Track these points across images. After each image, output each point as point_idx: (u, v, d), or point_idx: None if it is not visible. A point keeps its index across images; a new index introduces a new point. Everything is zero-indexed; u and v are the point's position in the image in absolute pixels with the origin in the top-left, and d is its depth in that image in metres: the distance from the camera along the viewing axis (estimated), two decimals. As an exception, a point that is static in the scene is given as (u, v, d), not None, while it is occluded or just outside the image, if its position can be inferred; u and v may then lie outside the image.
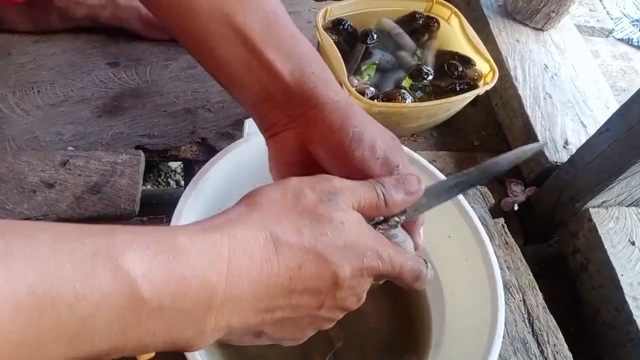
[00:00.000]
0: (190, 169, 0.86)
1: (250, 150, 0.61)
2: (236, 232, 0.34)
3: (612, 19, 1.46)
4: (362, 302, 0.41)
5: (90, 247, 0.28)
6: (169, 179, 1.54)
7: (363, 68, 0.92)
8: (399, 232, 0.46)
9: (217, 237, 0.33)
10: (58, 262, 0.26)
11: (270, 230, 0.35)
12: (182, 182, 1.54)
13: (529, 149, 0.50)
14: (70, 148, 0.79)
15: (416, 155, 0.67)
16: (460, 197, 0.64)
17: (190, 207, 0.55)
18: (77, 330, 0.27)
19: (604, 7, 1.49)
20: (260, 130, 0.51)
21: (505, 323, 0.55)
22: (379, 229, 0.43)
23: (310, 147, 0.47)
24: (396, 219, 0.44)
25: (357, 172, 0.45)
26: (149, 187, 1.46)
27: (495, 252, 0.61)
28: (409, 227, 0.47)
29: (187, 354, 0.46)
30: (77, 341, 0.27)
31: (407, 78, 0.92)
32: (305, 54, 0.48)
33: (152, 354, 0.40)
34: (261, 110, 0.49)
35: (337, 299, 0.38)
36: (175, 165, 1.54)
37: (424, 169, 0.66)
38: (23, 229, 0.27)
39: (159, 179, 1.53)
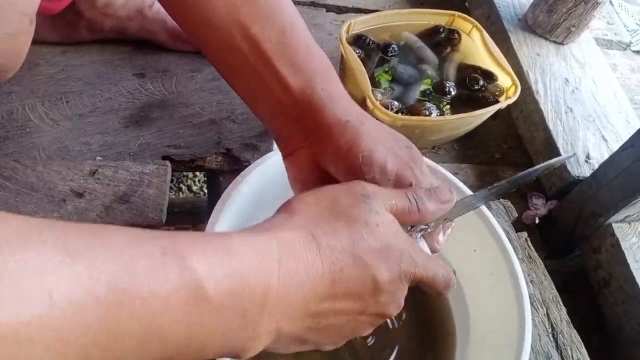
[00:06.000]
0: (215, 179, 0.87)
1: (281, 163, 0.62)
2: (282, 235, 0.35)
3: (628, 31, 1.46)
4: (401, 308, 0.41)
5: (159, 247, 0.30)
6: (181, 184, 1.56)
7: (375, 75, 0.93)
8: (421, 242, 0.47)
9: (266, 239, 0.34)
10: (133, 260, 0.28)
11: (312, 232, 0.36)
12: (195, 188, 1.56)
13: (555, 162, 0.51)
14: (98, 158, 0.80)
15: (441, 169, 0.67)
16: (486, 210, 0.65)
17: (223, 219, 0.56)
18: (147, 325, 0.28)
19: (621, 20, 1.49)
20: (279, 148, 0.52)
21: (530, 338, 0.56)
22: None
23: (324, 167, 0.48)
24: (423, 226, 0.45)
25: None
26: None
27: (519, 266, 0.61)
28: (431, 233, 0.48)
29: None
30: (147, 338, 0.28)
31: (426, 85, 0.93)
32: (318, 68, 0.49)
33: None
34: (276, 126, 0.50)
35: (379, 304, 0.39)
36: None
37: (448, 181, 0.66)
38: (96, 229, 0.29)
39: (171, 184, 1.55)
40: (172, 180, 1.53)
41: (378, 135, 0.48)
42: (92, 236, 0.28)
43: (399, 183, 0.46)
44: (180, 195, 1.54)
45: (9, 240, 0.25)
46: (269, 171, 0.61)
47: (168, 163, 0.79)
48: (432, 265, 0.41)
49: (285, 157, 0.51)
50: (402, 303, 0.41)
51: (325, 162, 0.48)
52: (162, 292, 0.28)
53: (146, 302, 0.28)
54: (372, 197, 0.40)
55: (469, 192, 0.64)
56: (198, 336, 0.30)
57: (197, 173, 1.55)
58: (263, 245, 0.34)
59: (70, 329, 0.25)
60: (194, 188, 1.56)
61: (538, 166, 0.50)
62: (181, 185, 1.55)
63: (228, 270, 0.31)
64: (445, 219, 0.47)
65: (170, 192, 1.54)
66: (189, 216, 0.95)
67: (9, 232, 0.25)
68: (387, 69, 0.94)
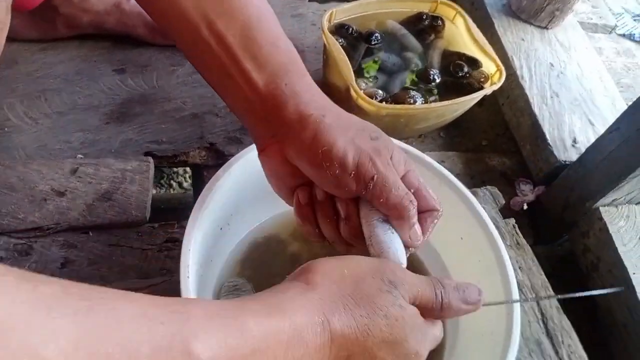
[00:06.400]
0: (199, 174, 0.86)
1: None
2: (296, 318, 0.35)
3: (613, 14, 1.45)
4: None
5: (167, 330, 0.29)
6: (172, 181, 1.54)
7: (364, 66, 0.92)
8: (389, 235, 0.46)
9: (279, 321, 0.34)
10: (138, 343, 0.27)
11: (328, 318, 0.36)
12: (186, 185, 1.54)
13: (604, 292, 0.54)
14: (79, 156, 0.79)
15: (427, 158, 0.66)
16: (473, 198, 0.64)
17: (205, 213, 0.55)
18: None
19: (606, 3, 1.49)
20: (254, 143, 0.51)
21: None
22: None
23: (291, 162, 0.48)
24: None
25: (335, 187, 0.46)
26: (153, 191, 1.45)
27: (507, 253, 0.61)
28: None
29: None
30: None
31: (411, 75, 0.92)
32: (283, 62, 0.48)
33: None
34: (248, 122, 0.49)
35: None
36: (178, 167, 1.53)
37: (433, 170, 0.65)
38: (104, 301, 0.28)
39: (162, 181, 1.53)
40: (162, 177, 1.52)
41: (341, 127, 0.46)
42: (101, 310, 0.27)
43: (360, 176, 0.45)
44: (171, 192, 1.53)
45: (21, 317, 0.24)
46: (251, 164, 0.60)
47: (150, 159, 0.78)
48: (437, 339, 0.42)
49: (260, 152, 0.50)
50: None
51: (291, 157, 0.47)
52: None
53: None
54: (398, 286, 0.39)
55: (454, 179, 0.64)
56: None
57: (188, 169, 1.54)
58: (274, 329, 0.34)
59: None
60: (185, 185, 1.54)
61: (585, 293, 0.51)
62: (172, 182, 1.54)
63: (233, 355, 0.31)
64: None
65: (161, 189, 1.53)
66: (175, 213, 0.94)
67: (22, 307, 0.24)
68: (375, 59, 0.93)
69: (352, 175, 0.45)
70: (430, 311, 0.41)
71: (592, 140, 0.87)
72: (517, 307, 0.56)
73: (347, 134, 0.46)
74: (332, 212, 0.48)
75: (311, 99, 0.47)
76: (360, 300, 0.37)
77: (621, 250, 0.76)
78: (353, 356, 0.36)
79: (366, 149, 0.45)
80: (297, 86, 0.47)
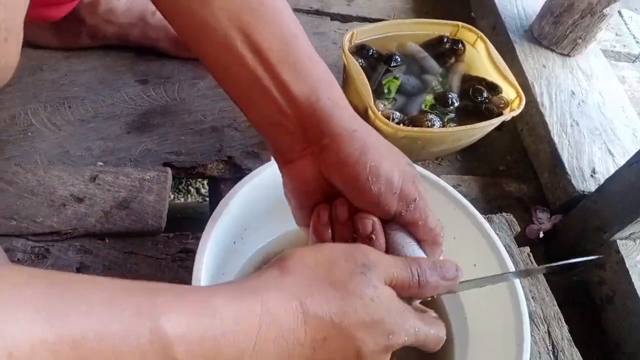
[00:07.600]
0: (216, 187, 0.86)
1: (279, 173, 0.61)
2: (268, 299, 0.35)
3: (637, 43, 1.44)
4: None
5: (135, 306, 0.29)
6: (190, 187, 1.55)
7: (384, 82, 0.92)
8: (404, 238, 0.47)
9: (250, 304, 0.34)
10: (104, 321, 0.28)
11: (301, 300, 0.36)
12: (203, 191, 1.55)
13: (579, 260, 0.52)
14: (99, 163, 0.80)
15: (442, 182, 0.66)
16: (487, 224, 0.64)
17: (219, 229, 0.55)
18: None
19: (630, 32, 1.48)
20: (274, 156, 0.50)
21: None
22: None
23: (327, 177, 0.47)
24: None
25: (374, 205, 0.46)
26: (170, 197, 1.47)
27: (520, 282, 0.60)
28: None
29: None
30: None
31: (430, 98, 0.92)
32: (322, 77, 0.47)
33: None
34: (275, 135, 0.48)
35: None
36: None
37: (447, 195, 0.65)
38: (73, 282, 0.29)
39: (180, 187, 1.55)
40: (180, 183, 1.54)
41: (383, 147, 0.47)
42: (67, 289, 0.28)
43: (404, 197, 0.46)
44: (189, 199, 1.54)
45: None
46: (266, 181, 0.60)
47: (168, 170, 0.79)
48: (423, 331, 0.41)
49: (284, 165, 0.49)
50: None
51: (330, 171, 0.46)
52: (129, 356, 0.28)
53: None
54: (372, 268, 0.39)
55: (468, 205, 0.63)
56: None
57: (206, 175, 1.54)
58: (245, 311, 0.34)
59: None
60: (202, 191, 1.55)
61: (567, 262, 0.50)
62: (190, 187, 1.55)
63: (202, 336, 0.31)
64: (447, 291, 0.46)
65: (179, 194, 1.54)
66: (191, 222, 0.95)
67: None
68: (396, 75, 0.93)
69: (395, 194, 0.45)
70: (408, 289, 0.41)
71: (612, 171, 0.87)
72: (527, 337, 0.56)
73: (390, 156, 0.47)
74: (351, 233, 0.48)
75: (353, 116, 0.47)
76: (333, 284, 0.37)
77: (638, 285, 0.75)
78: (330, 339, 0.36)
79: (408, 172, 0.47)
80: (339, 101, 0.47)
